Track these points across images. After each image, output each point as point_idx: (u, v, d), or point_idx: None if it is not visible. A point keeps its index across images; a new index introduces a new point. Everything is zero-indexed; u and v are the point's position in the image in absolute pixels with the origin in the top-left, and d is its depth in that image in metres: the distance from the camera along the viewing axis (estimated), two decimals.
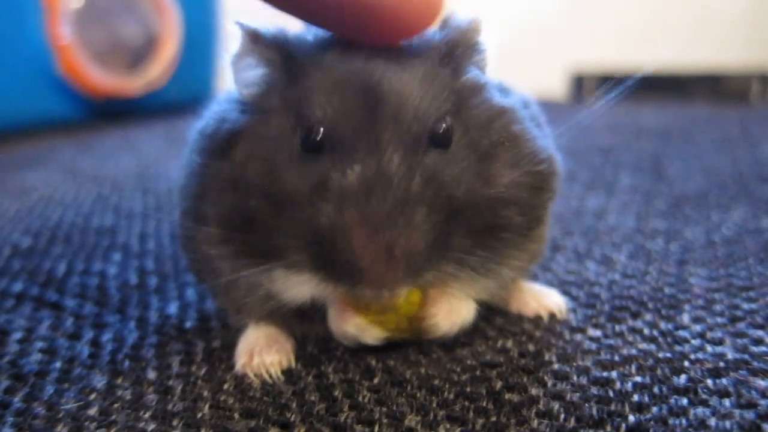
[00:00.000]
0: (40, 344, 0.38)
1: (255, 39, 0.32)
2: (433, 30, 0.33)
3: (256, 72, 0.32)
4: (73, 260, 0.52)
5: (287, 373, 0.34)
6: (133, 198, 0.71)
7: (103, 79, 1.19)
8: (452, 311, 0.34)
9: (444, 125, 0.30)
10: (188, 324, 0.40)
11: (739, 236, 0.52)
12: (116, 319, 0.41)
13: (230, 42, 0.33)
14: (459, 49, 0.32)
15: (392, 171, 0.28)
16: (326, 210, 0.28)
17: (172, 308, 0.42)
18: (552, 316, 0.39)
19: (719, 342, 0.35)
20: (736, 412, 0.29)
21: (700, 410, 0.29)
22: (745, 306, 0.39)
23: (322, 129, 0.29)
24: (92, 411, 0.31)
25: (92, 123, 1.26)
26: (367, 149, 0.28)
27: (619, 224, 0.56)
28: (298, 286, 0.32)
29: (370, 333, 0.33)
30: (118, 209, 0.67)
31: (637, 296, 0.42)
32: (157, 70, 1.29)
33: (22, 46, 1.12)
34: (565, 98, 1.53)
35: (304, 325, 0.36)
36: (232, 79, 0.33)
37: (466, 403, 0.31)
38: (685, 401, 0.30)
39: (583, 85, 1.57)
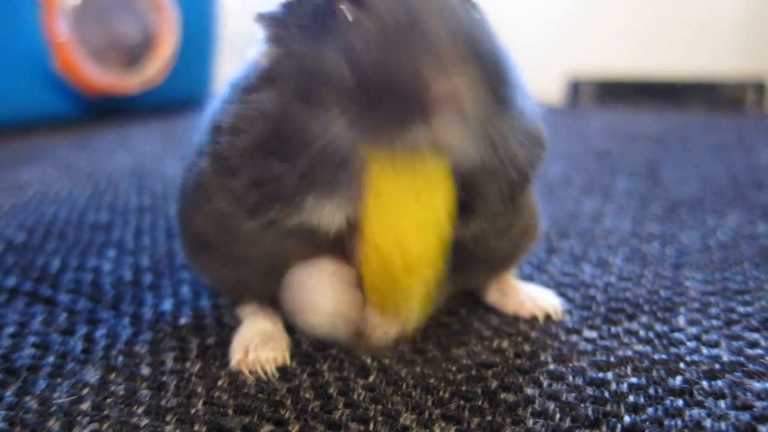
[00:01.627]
0: (33, 339, 0.38)
1: (274, 28, 0.31)
2: None
3: (274, 56, 0.31)
4: (67, 256, 0.51)
5: (282, 370, 0.34)
6: (128, 195, 0.71)
7: (100, 77, 1.19)
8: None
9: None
10: (183, 321, 0.40)
11: (735, 241, 0.52)
12: (110, 315, 0.41)
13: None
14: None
15: (447, 10, 0.27)
16: (373, 59, 0.26)
17: (167, 305, 0.42)
18: (548, 317, 0.39)
19: (715, 344, 0.35)
20: (732, 413, 0.29)
21: (695, 411, 0.29)
22: (741, 309, 0.40)
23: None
24: (85, 406, 0.31)
25: (88, 120, 1.26)
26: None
27: (615, 228, 0.56)
28: (332, 211, 0.30)
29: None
30: (113, 206, 0.66)
31: (633, 299, 0.42)
32: (154, 69, 1.29)
33: (19, 43, 1.12)
34: (561, 104, 1.54)
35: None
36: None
37: (462, 403, 0.31)
38: (680, 402, 0.30)
39: (579, 91, 1.58)
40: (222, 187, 0.32)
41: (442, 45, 0.25)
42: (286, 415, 0.30)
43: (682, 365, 0.33)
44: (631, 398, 0.31)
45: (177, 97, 1.40)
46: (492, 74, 0.27)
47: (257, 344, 0.35)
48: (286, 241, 0.32)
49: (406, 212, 0.27)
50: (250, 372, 0.34)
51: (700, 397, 0.31)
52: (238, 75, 0.35)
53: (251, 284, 0.36)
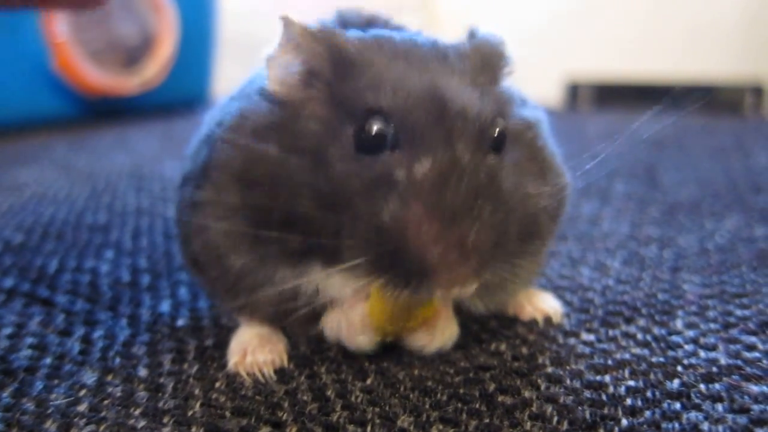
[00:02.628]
0: (30, 340, 0.37)
1: (301, 33, 0.30)
2: (458, 41, 0.33)
3: (296, 67, 0.31)
4: (65, 257, 0.51)
5: (280, 372, 0.34)
6: (126, 196, 0.71)
7: (99, 78, 1.19)
8: (446, 328, 0.34)
9: (498, 128, 0.30)
10: (180, 322, 0.40)
11: (732, 244, 0.52)
12: (108, 316, 0.41)
13: (269, 40, 0.32)
14: (493, 60, 0.32)
15: (465, 164, 0.27)
16: (391, 205, 0.27)
17: (165, 306, 0.42)
18: (547, 319, 0.39)
19: (712, 347, 0.36)
20: (729, 416, 0.29)
21: (693, 415, 0.29)
22: (738, 312, 0.40)
23: (390, 124, 0.28)
24: (82, 407, 0.31)
25: (87, 121, 1.25)
26: (437, 144, 0.28)
27: (613, 231, 0.57)
28: (340, 285, 0.31)
29: (370, 338, 0.33)
30: (112, 207, 0.66)
31: (631, 302, 0.42)
32: (153, 70, 1.29)
33: (18, 44, 1.12)
34: (560, 107, 1.54)
35: (306, 325, 0.35)
36: (266, 76, 0.32)
37: (459, 405, 0.31)
38: (678, 406, 0.30)
39: (578, 94, 1.58)
40: (217, 221, 0.32)
41: (458, 220, 0.27)
42: (284, 417, 0.30)
43: (679, 368, 0.33)
44: (628, 401, 0.31)
45: (176, 98, 1.40)
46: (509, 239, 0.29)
47: (255, 346, 0.35)
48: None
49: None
50: (248, 374, 0.33)
51: (697, 401, 0.31)
52: (247, 84, 0.35)
53: (249, 308, 0.36)
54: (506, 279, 0.32)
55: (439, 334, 0.34)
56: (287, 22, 0.31)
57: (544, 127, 0.35)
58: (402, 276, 0.27)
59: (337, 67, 0.30)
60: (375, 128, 0.28)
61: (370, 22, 0.37)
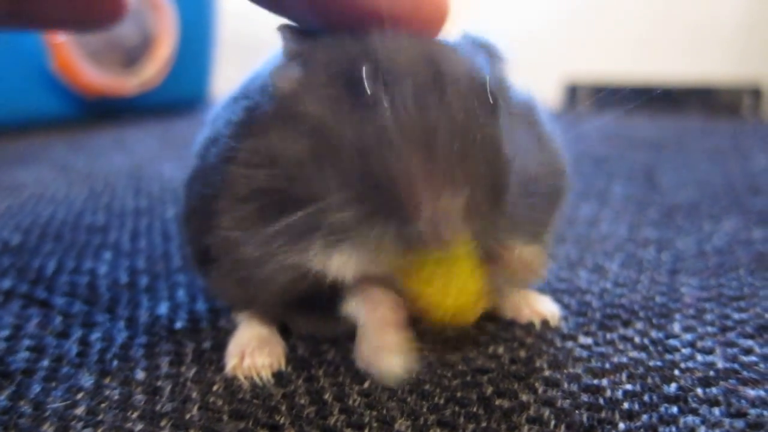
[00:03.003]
0: (27, 342, 0.37)
1: (289, 31, 0.31)
2: (451, 36, 0.33)
3: (296, 72, 0.31)
4: (63, 258, 0.51)
5: (277, 375, 0.34)
6: (125, 197, 0.71)
7: (98, 78, 1.19)
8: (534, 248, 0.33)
9: (494, 94, 0.29)
10: (178, 324, 0.40)
11: (731, 247, 0.52)
12: (105, 318, 0.41)
13: (268, 41, 0.33)
14: (487, 52, 0.32)
15: (455, 114, 0.27)
16: (379, 153, 0.26)
17: (163, 308, 0.42)
18: (545, 323, 0.39)
19: (710, 351, 0.36)
20: (726, 421, 0.29)
21: (690, 419, 0.29)
22: (736, 316, 0.40)
23: (374, 68, 0.28)
24: (79, 410, 0.31)
25: (86, 121, 1.25)
26: (428, 95, 0.27)
27: (611, 233, 0.57)
28: (341, 262, 0.30)
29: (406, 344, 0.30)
30: (110, 208, 0.66)
31: (629, 305, 0.42)
32: (152, 70, 1.29)
33: (16, 43, 1.12)
34: (559, 108, 1.54)
35: (322, 322, 0.35)
36: (270, 81, 0.32)
37: (457, 408, 0.31)
38: (675, 410, 0.30)
39: (576, 95, 1.58)
40: (228, 211, 0.31)
41: (445, 160, 0.26)
42: (281, 421, 0.30)
43: (676, 372, 0.33)
44: (625, 405, 0.31)
45: (175, 98, 1.40)
46: (492, 187, 0.27)
47: (253, 349, 0.35)
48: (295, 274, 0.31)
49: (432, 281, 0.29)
50: (246, 378, 0.33)
51: (694, 404, 0.31)
52: (248, 84, 0.35)
53: (258, 303, 0.36)
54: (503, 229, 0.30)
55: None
56: (283, 33, 0.31)
57: (542, 110, 0.36)
58: (388, 211, 0.26)
59: (336, 60, 0.30)
60: (364, 72, 0.28)
61: None
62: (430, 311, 0.29)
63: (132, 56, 1.27)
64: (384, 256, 0.28)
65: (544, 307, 0.40)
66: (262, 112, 0.31)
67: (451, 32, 0.34)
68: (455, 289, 0.29)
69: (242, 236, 0.31)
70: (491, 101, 0.29)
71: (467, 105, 0.28)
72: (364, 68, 0.28)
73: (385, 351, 0.29)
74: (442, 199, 0.25)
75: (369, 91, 0.28)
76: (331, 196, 0.27)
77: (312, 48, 0.31)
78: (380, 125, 0.27)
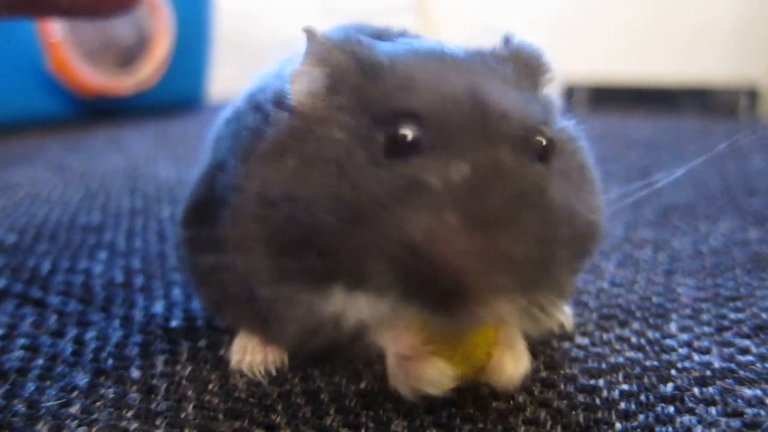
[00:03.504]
0: (22, 341, 0.37)
1: (325, 45, 0.28)
2: (494, 46, 0.31)
3: (322, 80, 0.28)
4: (58, 258, 0.51)
5: (273, 375, 0.34)
6: (120, 197, 0.71)
7: (94, 78, 1.18)
8: (517, 351, 0.30)
9: (549, 136, 0.27)
10: (174, 323, 0.40)
11: (727, 247, 0.52)
12: (100, 317, 0.41)
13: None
14: (533, 65, 0.31)
15: (508, 169, 0.24)
16: (423, 215, 0.23)
17: (158, 307, 0.42)
18: (560, 327, 0.38)
19: (706, 351, 0.36)
20: (722, 420, 0.29)
21: (686, 418, 0.29)
22: (732, 316, 0.40)
23: (418, 126, 0.25)
24: (74, 409, 0.30)
25: (81, 121, 1.25)
26: (477, 144, 0.25)
27: (607, 233, 0.56)
28: (363, 307, 0.27)
29: (447, 375, 0.27)
30: (105, 208, 0.66)
31: (625, 305, 0.42)
32: (148, 70, 1.28)
33: (12, 43, 1.11)
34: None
35: (345, 360, 0.32)
36: (288, 90, 0.29)
37: (453, 410, 0.31)
38: (671, 409, 0.30)
39: (573, 96, 1.58)
40: (239, 250, 0.29)
41: (498, 238, 0.23)
42: (277, 420, 0.30)
43: (673, 372, 0.33)
44: (622, 405, 0.31)
45: (171, 98, 1.40)
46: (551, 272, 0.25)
47: (256, 345, 0.35)
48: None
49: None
50: (250, 372, 0.33)
51: (691, 404, 0.31)
52: (257, 94, 0.33)
53: (279, 340, 0.34)
54: (554, 299, 0.27)
55: (509, 360, 0.29)
56: (310, 35, 0.29)
57: (583, 140, 0.33)
58: (436, 298, 0.24)
59: (365, 73, 0.27)
60: (407, 131, 0.25)
61: (382, 35, 0.34)
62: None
63: (128, 56, 1.26)
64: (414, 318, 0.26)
65: (560, 312, 0.39)
66: (278, 132, 0.28)
67: (488, 40, 0.32)
68: (475, 355, 0.28)
69: (258, 281, 0.29)
70: (546, 145, 0.27)
71: (520, 153, 0.25)
72: (402, 120, 0.25)
73: (421, 376, 0.27)
74: (498, 283, 0.23)
75: (409, 144, 0.25)
76: (366, 269, 0.25)
77: (341, 58, 0.28)
78: (425, 194, 0.24)
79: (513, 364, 0.29)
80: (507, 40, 0.32)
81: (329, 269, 0.26)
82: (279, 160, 0.27)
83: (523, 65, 0.30)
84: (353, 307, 0.27)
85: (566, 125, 0.32)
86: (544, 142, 0.27)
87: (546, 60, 0.31)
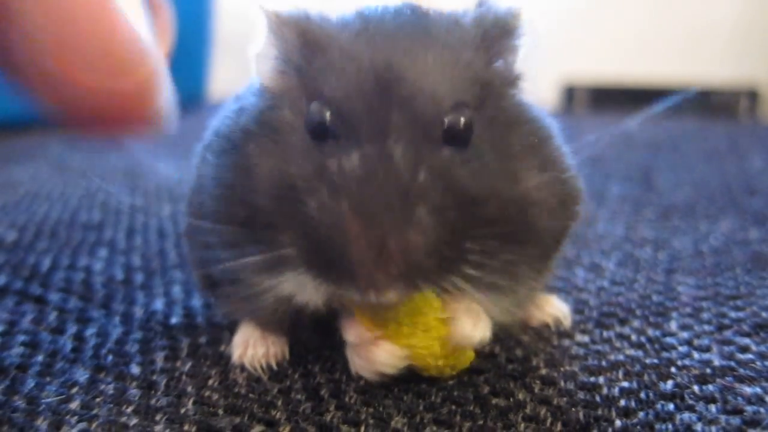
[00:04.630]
0: (22, 338, 0.37)
1: (275, 19, 0.30)
2: (465, 9, 0.31)
3: (275, 56, 0.30)
4: (58, 255, 0.51)
5: (274, 371, 0.34)
6: (121, 195, 0.71)
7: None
8: (474, 313, 0.31)
9: (463, 119, 0.27)
10: (174, 320, 0.40)
11: (727, 246, 0.52)
12: (101, 314, 0.41)
13: (256, 36, 0.31)
14: (495, 32, 0.30)
15: (396, 159, 0.25)
16: (320, 198, 0.26)
17: (158, 304, 0.42)
18: (557, 323, 0.38)
19: (706, 349, 0.36)
20: (722, 417, 0.29)
21: (686, 416, 0.29)
22: (732, 314, 0.40)
23: (327, 111, 0.27)
24: (74, 405, 0.30)
25: None
26: (372, 134, 0.26)
27: (608, 232, 0.57)
28: (310, 290, 0.29)
29: (397, 356, 0.30)
30: (106, 205, 0.66)
31: (625, 303, 0.42)
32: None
33: None
34: (556, 109, 1.54)
35: (314, 337, 0.34)
36: (255, 71, 0.31)
37: (453, 407, 0.31)
38: (671, 407, 0.30)
39: (574, 96, 1.58)
40: (213, 231, 0.31)
41: (381, 220, 0.25)
42: (277, 416, 0.30)
43: (673, 369, 0.33)
44: (622, 402, 0.31)
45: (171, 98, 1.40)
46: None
47: (257, 339, 0.35)
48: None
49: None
50: (252, 366, 0.33)
51: (691, 402, 0.31)
52: (245, 89, 0.35)
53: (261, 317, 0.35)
54: (512, 280, 0.30)
55: (466, 321, 0.30)
56: (265, 13, 0.30)
57: (549, 121, 0.33)
58: (329, 272, 0.26)
59: (308, 51, 0.29)
60: (315, 116, 0.27)
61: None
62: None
63: None
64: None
65: (555, 308, 0.39)
66: (248, 116, 0.30)
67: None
68: (414, 336, 0.30)
69: (224, 257, 0.30)
70: (459, 128, 0.27)
71: (418, 134, 0.26)
72: (317, 104, 0.27)
73: (372, 359, 0.30)
74: (376, 265, 0.25)
75: (326, 128, 0.27)
76: (278, 232, 0.27)
77: (289, 35, 0.30)
78: (326, 180, 0.26)
79: (471, 325, 0.30)
80: (480, 3, 0.31)
81: (268, 245, 0.28)
82: (243, 146, 0.29)
83: (486, 32, 0.30)
84: (302, 290, 0.30)
85: (524, 102, 0.31)
86: (456, 125, 0.27)
87: (517, 25, 0.31)
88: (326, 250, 0.26)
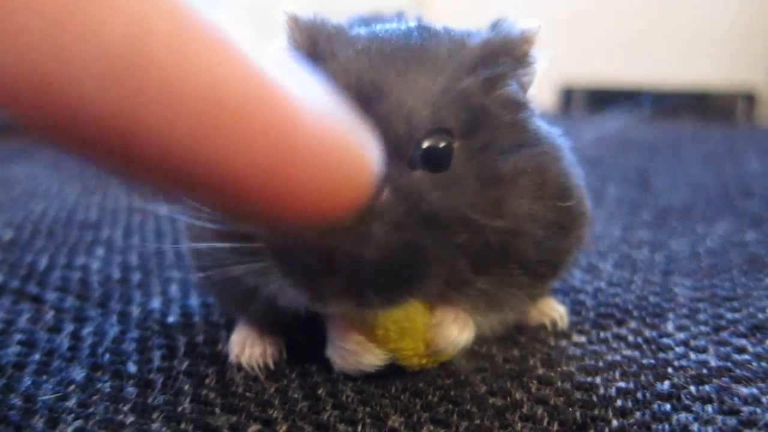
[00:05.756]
0: (18, 336, 0.37)
1: (292, 23, 0.30)
2: (477, 30, 0.31)
3: None
4: (55, 254, 0.51)
5: (271, 370, 0.34)
6: (118, 194, 0.70)
7: None
8: (460, 320, 0.31)
9: (442, 144, 0.27)
10: (171, 319, 0.40)
11: (724, 248, 0.53)
12: (98, 313, 0.41)
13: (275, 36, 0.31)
14: (501, 57, 0.30)
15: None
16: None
17: (155, 303, 0.42)
18: (554, 324, 0.38)
19: (703, 350, 0.36)
20: (719, 418, 0.29)
21: (683, 416, 0.29)
22: (729, 315, 0.40)
23: None
24: (70, 403, 0.30)
25: None
26: None
27: (605, 234, 0.57)
28: (291, 295, 0.30)
29: (373, 351, 0.31)
30: (103, 205, 0.66)
31: (622, 304, 0.42)
32: None
33: None
34: (554, 111, 1.54)
35: (311, 337, 0.34)
36: None
37: (450, 407, 0.31)
38: (668, 407, 0.30)
39: (572, 98, 1.58)
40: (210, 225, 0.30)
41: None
42: (274, 415, 0.30)
43: (670, 370, 0.33)
44: (619, 402, 0.31)
45: None
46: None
47: (254, 339, 0.35)
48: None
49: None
50: (249, 365, 0.34)
51: (687, 402, 0.31)
52: None
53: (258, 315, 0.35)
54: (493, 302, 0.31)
55: (450, 324, 0.31)
56: (285, 15, 0.31)
57: (565, 146, 0.33)
58: (297, 281, 0.27)
59: (312, 60, 0.29)
60: None
61: (376, 18, 0.35)
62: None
63: None
64: None
65: (552, 309, 0.39)
66: None
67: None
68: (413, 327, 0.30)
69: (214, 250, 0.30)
70: (440, 146, 0.27)
71: (387, 153, 0.24)
72: None
73: (345, 344, 0.31)
74: (321, 275, 0.26)
75: None
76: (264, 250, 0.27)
77: (303, 42, 0.30)
78: None
79: (456, 332, 0.31)
80: (494, 25, 0.31)
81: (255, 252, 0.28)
82: None
83: (491, 55, 0.29)
84: (283, 294, 0.30)
85: (530, 125, 0.31)
86: (439, 147, 0.27)
87: (529, 47, 0.31)
88: (288, 259, 0.26)
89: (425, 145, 0.27)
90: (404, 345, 0.30)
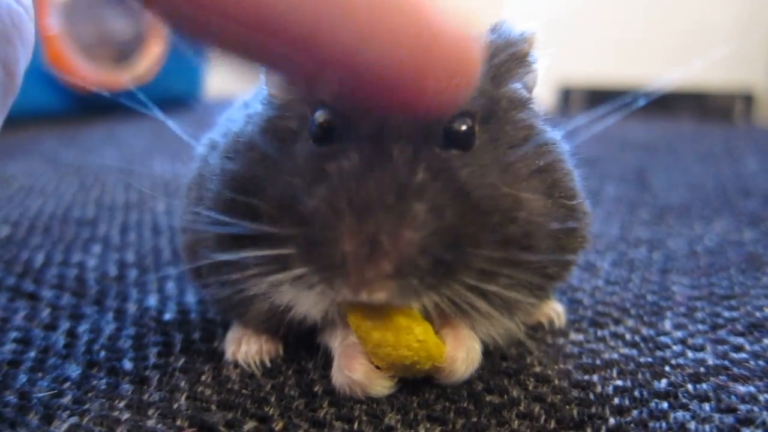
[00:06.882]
0: (14, 334, 0.37)
1: None
2: (480, 32, 0.31)
3: None
4: (51, 251, 0.51)
5: (267, 367, 0.34)
6: (115, 191, 0.70)
7: (90, 72, 1.18)
8: (464, 345, 0.30)
9: (465, 126, 0.27)
10: (167, 316, 0.40)
11: (721, 247, 0.53)
12: (94, 310, 0.41)
13: None
14: (504, 57, 0.30)
15: (394, 157, 0.25)
16: (318, 197, 0.25)
17: (152, 300, 0.42)
18: (551, 323, 0.38)
19: (700, 348, 0.36)
20: (716, 416, 0.29)
21: (680, 414, 0.29)
22: (726, 314, 0.40)
23: (328, 115, 0.27)
24: (65, 400, 0.30)
25: (77, 116, 1.25)
26: (373, 136, 0.26)
27: (603, 232, 0.57)
28: (309, 303, 0.30)
29: (380, 382, 0.30)
30: (100, 202, 0.66)
31: (620, 302, 0.42)
32: (144, 66, 1.28)
33: None
34: (552, 111, 1.54)
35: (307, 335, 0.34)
36: (263, 79, 0.32)
37: (447, 404, 0.30)
38: (665, 405, 0.30)
39: (570, 99, 1.58)
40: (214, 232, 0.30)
41: (375, 224, 0.24)
42: (270, 412, 0.30)
43: (667, 368, 0.33)
44: (616, 400, 0.31)
45: (167, 95, 1.39)
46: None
47: (251, 336, 0.35)
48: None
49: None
50: (245, 363, 0.33)
51: (684, 400, 0.31)
52: (255, 95, 0.35)
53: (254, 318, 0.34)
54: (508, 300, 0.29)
55: (462, 362, 0.30)
56: None
57: (561, 145, 0.33)
58: (323, 271, 0.25)
59: None
60: (319, 120, 0.28)
61: None
62: (374, 356, 0.29)
63: (124, 52, 1.26)
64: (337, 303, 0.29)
65: (550, 307, 0.39)
66: (255, 122, 0.31)
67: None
68: (391, 342, 0.28)
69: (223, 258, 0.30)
70: (463, 129, 0.27)
71: (418, 135, 0.26)
72: (320, 110, 0.28)
73: (353, 375, 0.30)
74: (367, 260, 0.24)
75: (327, 132, 0.27)
76: (285, 241, 0.26)
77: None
78: (324, 180, 0.26)
79: (462, 364, 0.30)
80: (494, 29, 0.32)
81: (267, 248, 0.27)
82: (252, 150, 0.30)
83: (497, 54, 0.30)
84: (301, 300, 0.30)
85: (535, 125, 0.31)
86: (461, 129, 0.27)
87: (530, 48, 0.31)
88: (321, 247, 0.25)
89: (452, 125, 0.27)
90: (406, 355, 0.29)
